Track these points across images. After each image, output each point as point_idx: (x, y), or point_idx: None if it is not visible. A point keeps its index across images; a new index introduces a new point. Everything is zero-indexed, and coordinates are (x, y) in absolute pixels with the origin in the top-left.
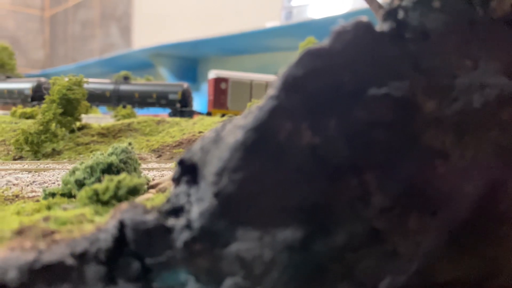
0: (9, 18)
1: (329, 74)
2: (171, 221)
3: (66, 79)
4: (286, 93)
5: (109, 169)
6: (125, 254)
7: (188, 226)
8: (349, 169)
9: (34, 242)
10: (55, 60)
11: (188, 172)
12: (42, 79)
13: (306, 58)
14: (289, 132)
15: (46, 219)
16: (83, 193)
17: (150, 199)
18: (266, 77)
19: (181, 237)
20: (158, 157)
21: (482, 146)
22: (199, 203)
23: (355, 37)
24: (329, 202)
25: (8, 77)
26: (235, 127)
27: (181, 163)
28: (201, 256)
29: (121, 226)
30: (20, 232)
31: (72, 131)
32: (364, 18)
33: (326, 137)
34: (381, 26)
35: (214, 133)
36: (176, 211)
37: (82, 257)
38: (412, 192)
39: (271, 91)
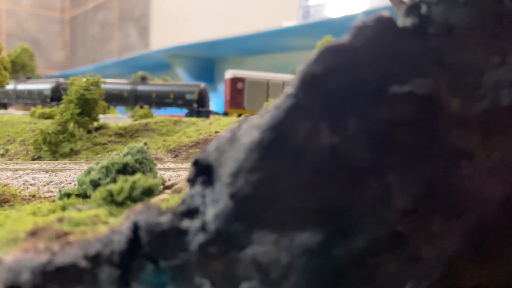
0: (30, 20)
1: (349, 71)
2: (185, 223)
3: (84, 79)
4: (304, 91)
5: (125, 170)
6: (139, 256)
7: (203, 228)
8: (370, 170)
9: (48, 243)
10: (75, 61)
11: (203, 172)
12: (61, 80)
13: (325, 55)
14: (307, 131)
15: (60, 220)
16: (97, 194)
17: (165, 200)
18: (283, 76)
19: (196, 240)
20: (174, 157)
21: (510, 146)
22: (214, 205)
23: (376, 33)
24: (349, 204)
25: (28, 78)
26: (251, 126)
27: (196, 163)
28: (217, 259)
29: (135, 227)
30: (34, 233)
31: (89, 131)
32: (386, 13)
33: (346, 136)
34: (403, 21)
35: (230, 133)
36: (191, 212)
37: (95, 259)
38: (436, 194)
39: (289, 89)
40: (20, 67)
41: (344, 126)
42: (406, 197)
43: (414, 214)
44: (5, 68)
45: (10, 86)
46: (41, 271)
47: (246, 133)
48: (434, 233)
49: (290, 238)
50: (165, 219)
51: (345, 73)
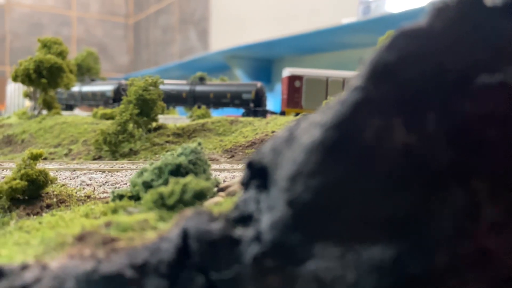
0: (97, 26)
1: (428, 59)
2: (238, 231)
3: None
4: (374, 82)
5: (178, 171)
6: (188, 266)
7: (257, 238)
8: (453, 174)
9: (94, 250)
10: (138, 64)
11: (258, 175)
12: (123, 81)
13: (400, 41)
14: (378, 129)
15: (107, 224)
16: (148, 197)
17: (218, 204)
18: (344, 73)
19: (249, 251)
20: (230, 157)
21: None
22: (270, 212)
23: (459, 13)
24: (428, 215)
25: (92, 80)
26: (311, 124)
27: (250, 165)
28: (272, 274)
29: (185, 235)
30: (80, 238)
31: (148, 131)
32: None
33: (424, 135)
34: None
35: (287, 132)
36: (244, 219)
37: (142, 269)
38: None
39: (356, 81)
40: (85, 70)
41: (422, 123)
42: (496, 207)
43: (506, 227)
44: (71, 71)
45: (75, 88)
46: (86, 279)
47: (305, 132)
48: None
49: (357, 253)
50: (216, 227)
51: (423, 61)
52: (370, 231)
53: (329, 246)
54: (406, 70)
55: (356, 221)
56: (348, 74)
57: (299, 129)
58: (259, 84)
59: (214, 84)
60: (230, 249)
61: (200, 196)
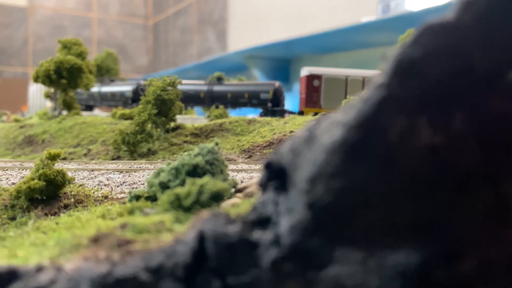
0: (117, 28)
1: (456, 54)
2: (256, 234)
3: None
4: (399, 80)
5: (195, 171)
6: (205, 270)
7: (276, 242)
8: (482, 177)
9: (109, 252)
10: (157, 65)
11: (276, 177)
12: (142, 82)
13: (426, 36)
14: (402, 129)
15: (123, 226)
16: (164, 198)
17: (236, 205)
18: (363, 72)
19: (268, 255)
20: (248, 157)
21: None
22: (289, 215)
23: (489, 7)
24: (455, 219)
25: (112, 80)
26: (332, 124)
27: (268, 166)
28: (291, 279)
29: (201, 238)
30: (96, 240)
31: (166, 131)
32: None
33: (451, 135)
34: None
35: (307, 131)
36: (263, 222)
37: (157, 272)
38: None
39: (380, 78)
40: (105, 71)
41: (449, 123)
42: None
43: None
44: (90, 72)
45: (95, 89)
46: (101, 282)
47: (326, 132)
48: None
49: (380, 258)
50: (233, 229)
51: (451, 57)
52: (394, 235)
53: (351, 250)
54: (432, 67)
55: (379, 224)
56: (368, 73)
57: (319, 128)
58: (277, 83)
59: (231, 84)
60: (247, 252)
61: (217, 197)
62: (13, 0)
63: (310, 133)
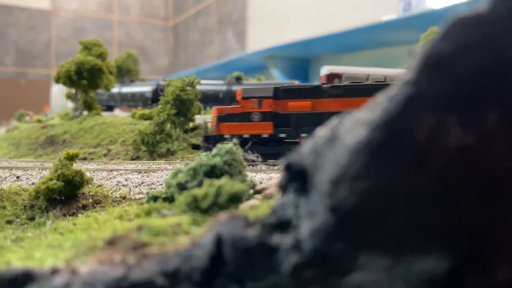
0: (137, 29)
1: (489, 49)
2: (276, 238)
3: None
4: (427, 76)
5: (212, 172)
6: (222, 275)
7: (296, 246)
8: None
9: (124, 255)
10: (177, 66)
11: (297, 178)
12: (161, 82)
13: (456, 29)
14: (431, 128)
15: (139, 228)
16: (182, 199)
17: (254, 207)
18: (385, 70)
19: (288, 260)
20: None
21: None
22: (310, 218)
23: None
24: (488, 223)
25: (132, 81)
26: (356, 123)
27: (288, 167)
28: (313, 286)
29: (219, 241)
30: (111, 242)
31: (185, 131)
32: None
33: (483, 135)
34: None
35: (329, 131)
36: (282, 225)
37: (173, 277)
38: None
39: (407, 75)
40: (125, 72)
41: (481, 122)
42: None
43: None
44: (110, 72)
45: (115, 89)
46: (115, 286)
47: (349, 131)
48: None
49: (407, 265)
50: (252, 233)
51: (483, 52)
52: (422, 241)
53: (376, 256)
54: (463, 62)
55: (406, 229)
56: (390, 71)
57: (342, 128)
58: (296, 82)
59: (251, 84)
60: (267, 257)
61: (235, 199)
62: (37, 3)
63: (332, 132)
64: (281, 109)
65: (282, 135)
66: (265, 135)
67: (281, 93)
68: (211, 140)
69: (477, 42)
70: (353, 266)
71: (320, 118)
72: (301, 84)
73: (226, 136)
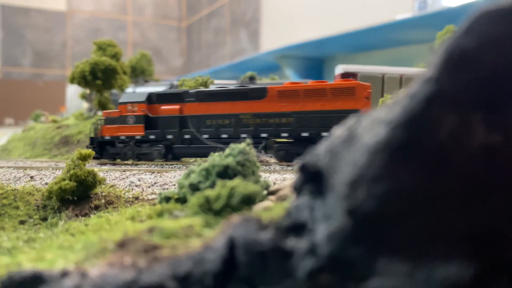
0: (152, 30)
1: None
2: (290, 242)
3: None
4: (450, 72)
5: (225, 172)
6: (235, 279)
7: (312, 251)
8: None
9: (135, 258)
10: (191, 66)
11: (312, 179)
12: (174, 83)
13: (481, 23)
14: (454, 127)
15: (150, 230)
16: (194, 200)
17: (268, 209)
18: (401, 69)
19: (303, 265)
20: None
21: None
22: (326, 222)
23: None
24: None
25: (146, 81)
26: (375, 122)
27: (304, 168)
28: None
29: (231, 245)
30: (122, 245)
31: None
32: None
33: (510, 135)
34: None
35: (346, 131)
36: (297, 229)
37: (185, 281)
38: None
39: (428, 72)
40: (139, 72)
41: (507, 121)
42: None
43: None
44: (124, 73)
45: (129, 89)
46: None
47: (368, 131)
48: None
49: (428, 270)
50: (266, 236)
51: (509, 47)
52: (444, 246)
53: (396, 262)
54: (488, 57)
55: (428, 233)
56: (407, 70)
57: (360, 127)
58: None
59: (264, 83)
60: (281, 262)
61: (249, 200)
62: (53, 5)
63: (349, 132)
64: (154, 113)
65: (152, 137)
66: (138, 137)
67: (154, 98)
68: (95, 142)
69: (502, 37)
70: (372, 272)
71: (185, 121)
72: (172, 89)
73: (107, 137)
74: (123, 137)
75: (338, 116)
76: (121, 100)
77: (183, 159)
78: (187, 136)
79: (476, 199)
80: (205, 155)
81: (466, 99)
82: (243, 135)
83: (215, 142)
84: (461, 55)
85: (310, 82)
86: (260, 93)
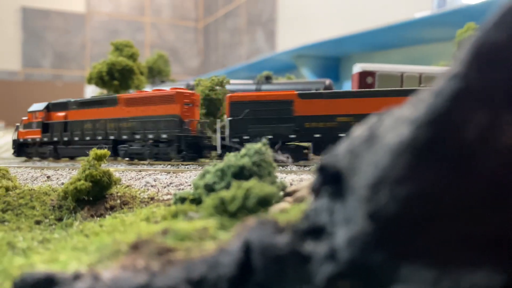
0: (169, 31)
1: None
2: (308, 246)
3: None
4: (478, 68)
5: (241, 173)
6: (251, 284)
7: (331, 256)
8: None
9: (148, 261)
10: (208, 67)
11: (332, 181)
12: (191, 82)
13: (511, 16)
14: (482, 126)
15: (164, 232)
16: (209, 202)
17: (285, 211)
18: (420, 68)
19: (322, 270)
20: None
21: None
22: (346, 225)
23: None
24: None
25: (162, 82)
26: (398, 121)
27: (322, 169)
28: None
29: (247, 248)
30: (135, 247)
31: (215, 131)
32: None
33: None
34: None
35: (367, 130)
36: (315, 232)
37: (199, 285)
38: None
39: (454, 68)
40: (156, 72)
41: None
42: None
43: None
44: (141, 73)
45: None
46: None
47: (390, 130)
48: None
49: (455, 278)
50: (282, 240)
51: None
52: (472, 251)
53: (420, 268)
54: None
55: (455, 238)
56: (426, 68)
57: (382, 126)
58: (327, 81)
59: (280, 83)
60: (298, 267)
61: (265, 202)
62: (72, 7)
63: (371, 132)
64: (49, 119)
65: (45, 139)
66: (38, 139)
67: (51, 106)
68: (15, 143)
69: None
70: (394, 279)
71: (66, 126)
72: (62, 99)
73: (21, 140)
74: (29, 140)
75: (162, 121)
76: (29, 110)
77: (200, 159)
78: (65, 139)
79: (505, 202)
80: (78, 155)
81: (496, 96)
82: (99, 137)
83: (82, 144)
84: (490, 50)
85: (153, 90)
86: (113, 101)
